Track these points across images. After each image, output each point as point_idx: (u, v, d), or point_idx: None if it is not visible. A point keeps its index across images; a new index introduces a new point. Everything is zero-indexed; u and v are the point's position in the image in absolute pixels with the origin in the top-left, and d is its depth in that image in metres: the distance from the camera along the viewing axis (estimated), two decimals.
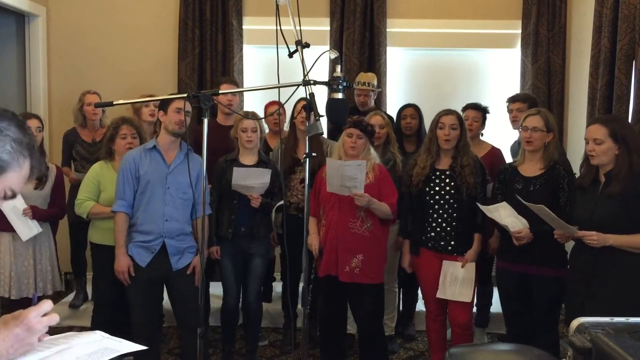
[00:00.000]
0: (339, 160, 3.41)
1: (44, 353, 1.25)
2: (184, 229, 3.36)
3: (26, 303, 3.60)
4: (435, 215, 3.44)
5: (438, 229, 3.44)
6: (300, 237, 3.86)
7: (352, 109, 3.96)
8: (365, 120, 3.57)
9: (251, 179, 3.56)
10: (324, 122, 2.44)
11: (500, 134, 4.78)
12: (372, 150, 3.55)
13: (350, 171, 3.25)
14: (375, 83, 4.56)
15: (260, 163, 3.71)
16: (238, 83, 4.98)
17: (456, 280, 3.39)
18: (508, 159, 4.20)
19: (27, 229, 3.69)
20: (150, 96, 4.14)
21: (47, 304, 1.26)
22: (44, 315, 1.25)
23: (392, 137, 3.97)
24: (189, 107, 3.18)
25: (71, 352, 1.25)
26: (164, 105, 3.31)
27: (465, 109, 4.13)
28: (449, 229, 3.42)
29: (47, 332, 1.27)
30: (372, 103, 4.53)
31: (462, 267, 3.38)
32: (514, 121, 4.09)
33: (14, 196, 1.29)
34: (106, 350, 1.28)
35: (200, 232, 2.76)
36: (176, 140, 3.34)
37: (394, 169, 3.84)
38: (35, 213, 3.68)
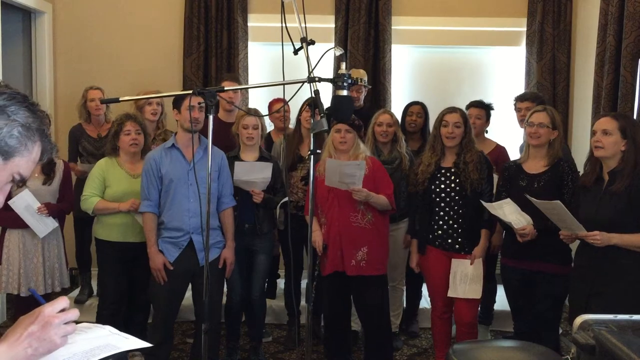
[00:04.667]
0: (336, 159, 3.41)
1: None
2: (211, 224, 3.35)
3: (34, 300, 3.62)
4: (441, 214, 3.45)
5: (445, 227, 3.44)
6: (299, 235, 3.90)
7: None
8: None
9: (253, 174, 3.57)
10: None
11: (505, 131, 4.78)
12: (362, 145, 3.57)
13: (350, 169, 3.28)
14: (365, 79, 4.55)
15: (262, 159, 3.72)
16: (240, 79, 4.99)
17: (466, 278, 3.39)
18: (513, 157, 4.19)
19: (43, 225, 3.71)
20: (152, 92, 4.12)
21: (63, 301, 1.21)
22: (62, 311, 1.20)
23: (400, 137, 3.97)
24: (202, 102, 3.21)
25: (70, 348, 1.23)
26: (177, 103, 3.34)
27: (468, 107, 4.13)
28: (455, 226, 3.43)
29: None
30: (362, 100, 4.51)
31: (471, 264, 3.39)
32: (522, 120, 4.08)
33: (22, 181, 1.25)
34: (106, 347, 1.27)
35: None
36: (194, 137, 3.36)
37: (399, 168, 3.85)
38: (48, 209, 3.71)
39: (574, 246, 3.10)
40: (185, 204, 3.33)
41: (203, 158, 3.32)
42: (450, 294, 3.44)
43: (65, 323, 1.20)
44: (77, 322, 1.24)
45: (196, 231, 3.34)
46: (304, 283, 4.47)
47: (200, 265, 3.36)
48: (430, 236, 3.49)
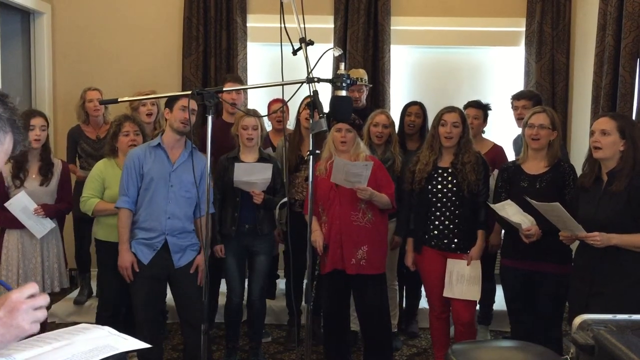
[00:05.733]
0: (344, 159, 3.42)
1: (42, 348, 1.23)
2: (186, 227, 3.37)
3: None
4: (438, 214, 3.45)
5: (441, 227, 3.44)
6: (304, 234, 3.89)
7: None
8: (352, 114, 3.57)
9: (253, 175, 3.57)
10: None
11: (503, 131, 4.78)
12: (362, 144, 3.58)
13: (357, 169, 3.29)
14: (366, 78, 4.56)
15: (262, 160, 3.72)
16: (242, 80, 4.99)
17: (462, 279, 3.38)
18: (510, 155, 4.19)
19: (41, 226, 3.70)
20: (148, 93, 4.11)
21: (32, 287, 1.19)
22: (31, 297, 1.17)
23: (395, 138, 3.98)
24: (194, 105, 3.19)
25: (68, 349, 1.24)
26: (170, 103, 3.31)
27: (466, 107, 4.13)
28: (452, 226, 3.42)
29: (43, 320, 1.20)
30: (364, 99, 4.52)
31: (468, 265, 3.39)
32: (519, 119, 4.08)
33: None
34: (105, 348, 1.27)
35: (205, 230, 2.76)
36: (181, 139, 3.35)
37: (392, 168, 3.86)
38: (45, 210, 3.70)
39: (574, 246, 3.09)
40: (164, 205, 3.30)
41: (187, 161, 3.30)
42: (446, 293, 3.44)
43: (36, 309, 1.18)
44: (76, 323, 1.24)
45: (172, 233, 3.32)
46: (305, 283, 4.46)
47: (175, 267, 3.35)
48: (426, 236, 3.48)
